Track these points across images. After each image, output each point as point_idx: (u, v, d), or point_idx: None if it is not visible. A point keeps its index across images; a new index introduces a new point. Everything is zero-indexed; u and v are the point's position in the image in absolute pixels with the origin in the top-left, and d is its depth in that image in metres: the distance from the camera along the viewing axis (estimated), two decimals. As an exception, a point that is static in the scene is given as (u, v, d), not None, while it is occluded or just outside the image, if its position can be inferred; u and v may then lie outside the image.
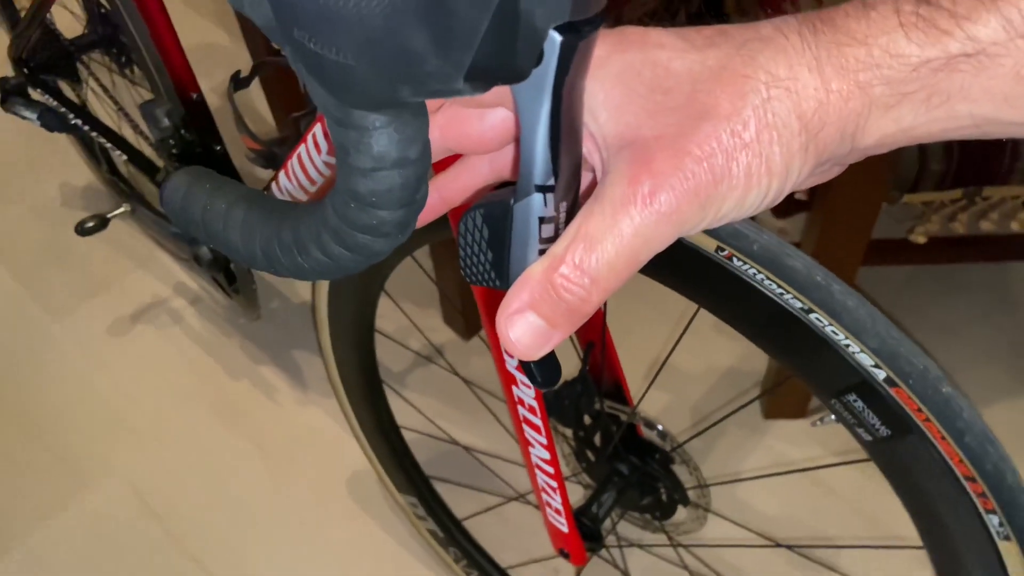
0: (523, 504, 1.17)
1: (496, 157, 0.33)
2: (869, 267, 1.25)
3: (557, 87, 0.25)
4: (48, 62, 1.27)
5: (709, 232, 0.53)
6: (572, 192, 0.28)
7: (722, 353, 1.38)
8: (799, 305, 0.52)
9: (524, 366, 0.30)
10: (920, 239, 1.05)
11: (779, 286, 0.52)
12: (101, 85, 1.31)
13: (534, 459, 0.74)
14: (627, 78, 0.26)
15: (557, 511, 0.77)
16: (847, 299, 0.51)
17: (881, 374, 0.51)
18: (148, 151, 1.26)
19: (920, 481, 0.55)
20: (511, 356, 0.27)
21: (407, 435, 1.05)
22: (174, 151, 1.10)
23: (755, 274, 0.53)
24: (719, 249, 0.53)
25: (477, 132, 0.31)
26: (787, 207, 1.53)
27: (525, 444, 0.74)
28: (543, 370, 0.31)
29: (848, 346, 0.52)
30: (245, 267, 1.19)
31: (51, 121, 1.24)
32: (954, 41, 0.23)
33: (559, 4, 0.22)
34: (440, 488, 1.08)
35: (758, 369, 1.35)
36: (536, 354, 0.27)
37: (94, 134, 1.25)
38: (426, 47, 0.23)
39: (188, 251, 1.24)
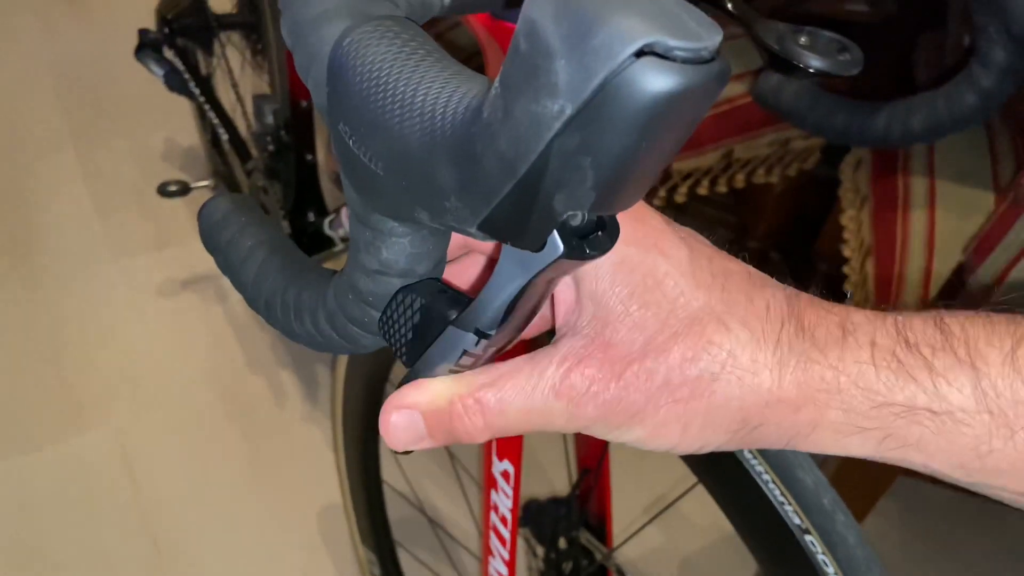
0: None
1: None
2: (908, 479, 1.18)
3: (535, 278, 0.25)
4: (189, 28, 1.33)
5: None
6: (505, 343, 0.29)
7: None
8: (797, 522, 0.48)
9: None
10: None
11: (783, 495, 0.49)
12: (229, 66, 1.37)
13: (491, 569, 0.71)
14: (620, 271, 0.26)
15: (498, 629, 0.73)
16: (848, 533, 0.48)
17: (861, 625, 0.47)
18: (248, 139, 1.30)
19: None
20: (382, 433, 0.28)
21: (388, 493, 1.03)
22: (269, 147, 1.12)
23: (762, 473, 0.50)
24: (734, 434, 0.50)
25: None
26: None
27: (487, 552, 0.71)
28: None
29: (835, 583, 0.48)
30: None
31: (174, 81, 1.30)
32: (923, 394, 0.22)
33: (580, 196, 0.22)
34: (402, 557, 1.05)
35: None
36: (401, 447, 0.29)
37: (207, 106, 1.29)
38: (450, 184, 0.23)
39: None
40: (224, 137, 1.29)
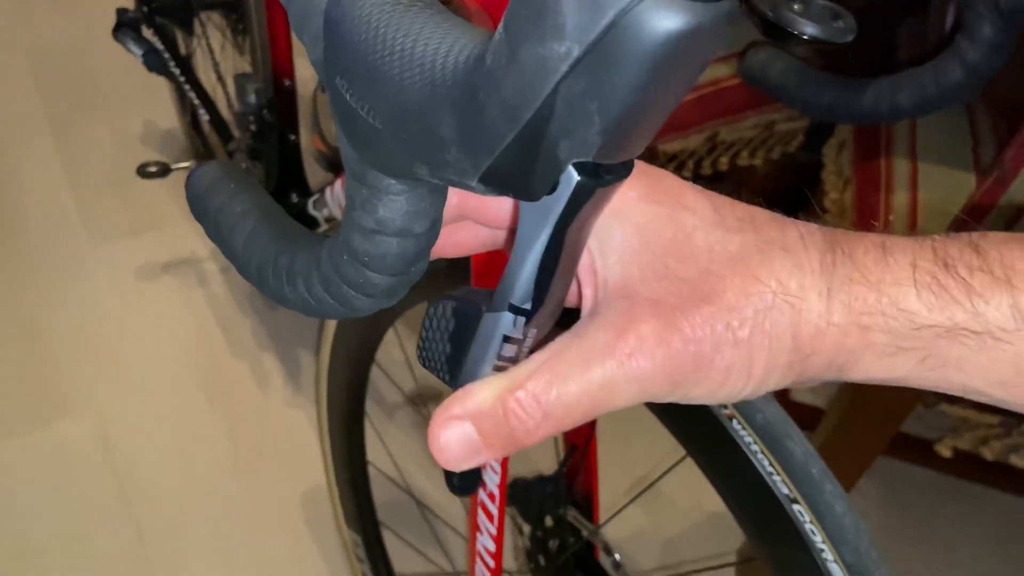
0: (464, 580, 1.13)
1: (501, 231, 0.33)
2: (891, 459, 1.20)
3: (561, 224, 0.23)
4: (169, 7, 1.31)
5: (717, 385, 0.50)
6: (548, 322, 0.27)
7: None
8: (785, 492, 0.49)
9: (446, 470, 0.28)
10: (946, 452, 1.00)
11: (771, 465, 0.49)
12: (210, 45, 1.35)
13: (479, 545, 0.71)
14: (648, 231, 0.25)
15: (485, 606, 0.73)
16: (836, 503, 0.48)
17: (849, 593, 0.47)
18: (230, 120, 1.28)
19: None
20: (435, 455, 0.26)
21: (373, 474, 1.03)
22: (251, 127, 1.11)
23: (751, 443, 0.50)
24: (722, 406, 0.50)
25: (495, 208, 0.30)
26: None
27: (474, 528, 0.71)
28: (463, 478, 0.29)
29: (823, 551, 0.48)
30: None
31: (153, 62, 1.28)
32: (963, 313, 0.22)
33: (586, 143, 0.21)
34: (387, 537, 1.05)
35: (745, 524, 1.29)
36: (458, 467, 0.26)
37: (187, 87, 1.28)
38: (451, 136, 0.23)
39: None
40: (205, 118, 1.27)
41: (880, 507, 1.32)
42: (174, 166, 1.31)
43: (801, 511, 0.48)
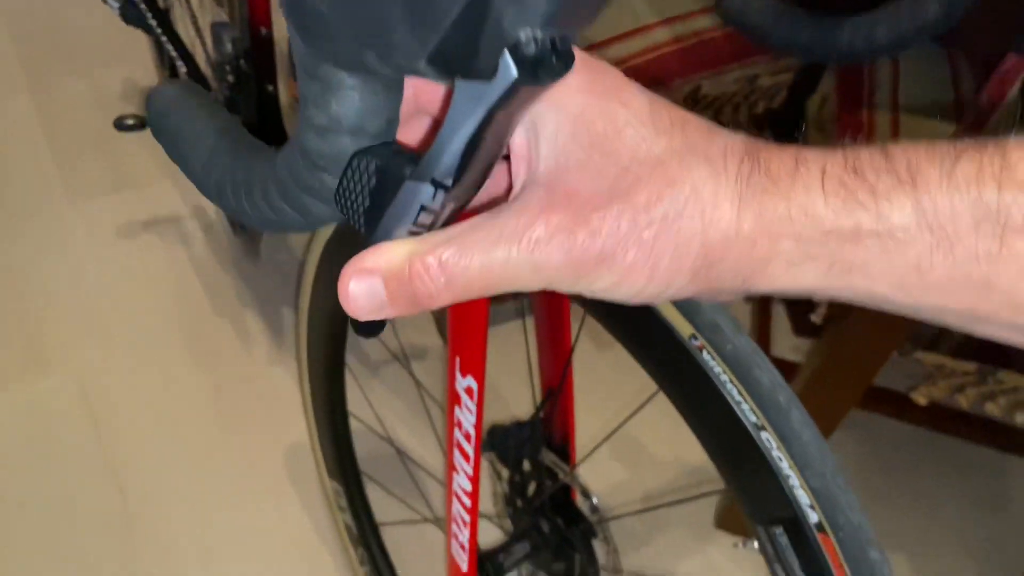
0: (442, 530, 1.14)
1: None
2: (867, 413, 1.21)
3: (492, 111, 0.24)
4: (145, -42, 1.29)
5: (687, 316, 0.51)
6: (464, 197, 0.28)
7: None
8: (753, 419, 0.49)
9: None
10: (921, 400, 1.01)
11: (740, 393, 0.50)
12: (187, -3, 1.33)
13: (455, 486, 0.72)
14: (581, 123, 0.25)
15: (462, 546, 0.74)
16: (803, 430, 0.48)
17: (814, 517, 0.48)
18: (208, 73, 1.26)
19: (821, 641, 0.52)
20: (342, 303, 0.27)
21: (355, 425, 1.03)
22: (229, 77, 1.10)
23: (720, 374, 0.50)
24: (693, 337, 0.51)
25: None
26: (807, 327, 1.49)
27: (451, 468, 0.71)
28: (365, 325, 0.31)
29: (789, 477, 0.49)
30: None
31: (130, 14, 1.26)
32: (867, 215, 0.23)
33: (532, 12, 0.21)
34: (368, 487, 1.06)
35: (724, 477, 1.30)
36: (362, 315, 0.27)
37: (164, 39, 1.26)
38: (398, 17, 0.23)
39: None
40: (183, 71, 1.25)
41: (856, 462, 1.34)
42: (152, 120, 1.29)
43: (768, 438, 0.49)
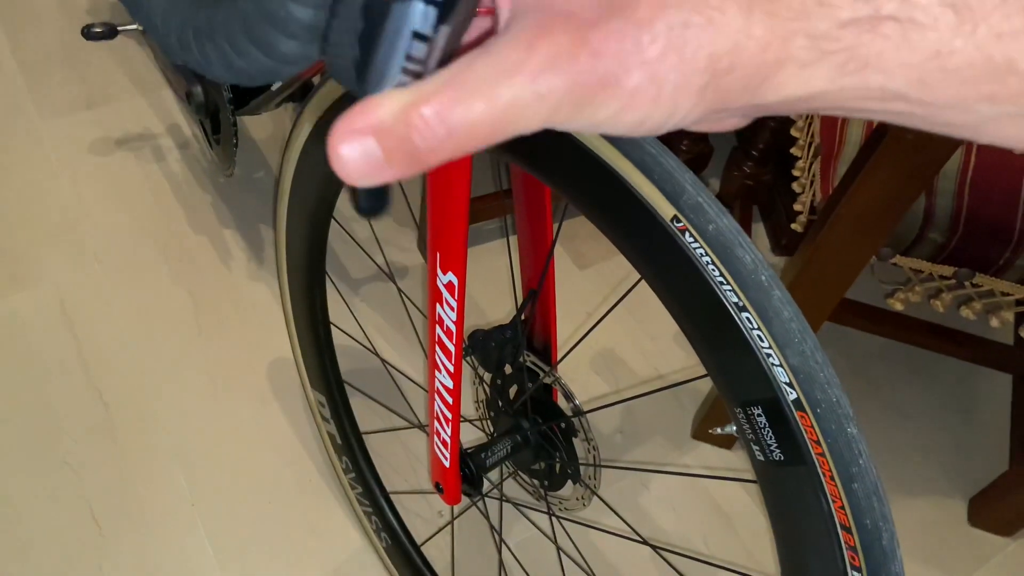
0: (426, 436, 1.16)
1: None
2: (842, 327, 1.22)
3: None
4: None
5: (669, 198, 0.50)
6: (458, 27, 0.26)
7: (679, 366, 1.36)
8: (735, 300, 0.49)
9: (350, 189, 0.28)
10: (898, 305, 1.02)
11: (722, 275, 0.49)
12: None
13: (437, 383, 0.72)
14: None
15: (444, 443, 0.75)
16: (784, 308, 0.49)
17: (792, 394, 0.49)
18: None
19: (797, 517, 0.53)
20: (335, 170, 0.25)
21: (337, 336, 1.03)
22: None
23: (702, 255, 0.50)
24: (675, 219, 0.50)
25: None
26: (787, 244, 1.50)
27: (433, 366, 0.71)
28: (370, 198, 0.28)
29: (769, 356, 0.49)
30: (230, 120, 1.16)
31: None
32: (888, 1, 0.21)
33: None
34: (352, 397, 1.06)
35: (704, 389, 1.33)
36: (358, 181, 0.25)
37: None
38: None
39: (184, 87, 1.20)
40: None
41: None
42: (121, 28, 1.24)
43: (750, 318, 0.49)
